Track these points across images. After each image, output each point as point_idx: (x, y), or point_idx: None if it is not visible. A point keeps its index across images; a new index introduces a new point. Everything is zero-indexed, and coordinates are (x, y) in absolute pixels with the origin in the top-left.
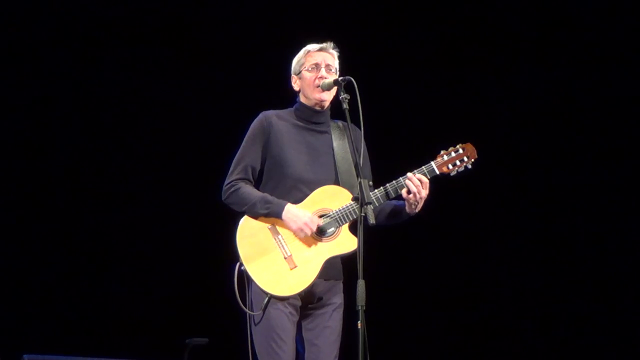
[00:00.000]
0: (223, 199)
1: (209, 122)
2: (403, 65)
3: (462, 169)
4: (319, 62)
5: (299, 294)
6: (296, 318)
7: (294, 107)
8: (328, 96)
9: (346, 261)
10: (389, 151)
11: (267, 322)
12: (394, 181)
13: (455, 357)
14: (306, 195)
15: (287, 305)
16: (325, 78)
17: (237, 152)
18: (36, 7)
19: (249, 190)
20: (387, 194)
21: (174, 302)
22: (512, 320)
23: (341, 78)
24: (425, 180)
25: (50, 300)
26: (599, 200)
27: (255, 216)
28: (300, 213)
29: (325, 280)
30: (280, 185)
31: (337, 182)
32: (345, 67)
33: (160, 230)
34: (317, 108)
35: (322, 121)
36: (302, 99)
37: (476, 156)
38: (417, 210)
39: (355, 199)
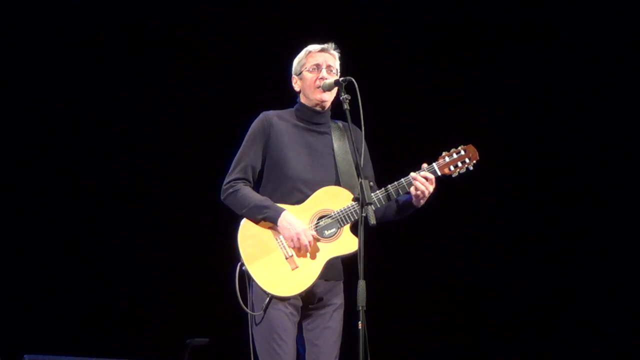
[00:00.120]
0: (221, 198)
1: (210, 122)
2: (404, 65)
3: (463, 170)
4: (320, 63)
5: (300, 295)
6: (297, 318)
7: (294, 107)
8: (329, 97)
9: (346, 262)
10: (390, 152)
11: (267, 322)
12: (395, 182)
13: (455, 358)
14: (307, 196)
15: (287, 306)
16: (326, 79)
17: (237, 152)
18: (37, 7)
19: (247, 192)
20: (388, 195)
21: (174, 303)
22: (512, 320)
23: (342, 79)
24: (431, 176)
25: (50, 300)
26: (600, 200)
27: (252, 220)
28: (296, 222)
29: (325, 280)
30: (281, 186)
31: (337, 183)
32: (345, 67)
33: (161, 230)
34: (318, 109)
35: (322, 122)
36: (302, 99)
37: (478, 157)
38: (423, 202)
39: (356, 199)
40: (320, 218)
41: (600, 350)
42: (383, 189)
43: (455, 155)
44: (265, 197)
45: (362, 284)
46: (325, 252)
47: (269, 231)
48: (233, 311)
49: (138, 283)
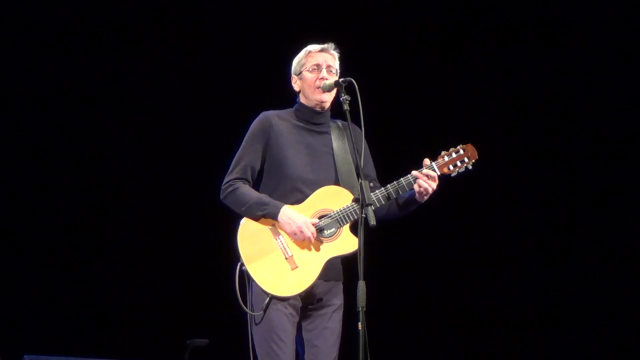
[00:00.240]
0: (221, 198)
1: (209, 122)
2: (403, 66)
3: (462, 169)
4: (320, 63)
5: (300, 295)
6: (296, 319)
7: (294, 107)
8: (328, 97)
9: (346, 262)
10: (389, 152)
11: (267, 322)
12: (395, 182)
13: (455, 358)
14: (306, 196)
15: (287, 306)
16: (326, 79)
17: (236, 152)
18: (38, 7)
19: (246, 190)
20: (388, 195)
21: (174, 303)
22: (512, 320)
23: (342, 79)
24: (433, 174)
25: (50, 300)
26: (599, 200)
27: (252, 217)
28: (296, 216)
29: (325, 281)
30: (280, 186)
31: (337, 183)
32: (345, 67)
33: (161, 230)
34: (318, 109)
35: (322, 122)
36: (302, 99)
37: (477, 157)
38: (426, 198)
39: (356, 199)
40: (320, 218)
41: (601, 350)
42: (383, 188)
43: (454, 155)
44: (264, 194)
45: (362, 285)
46: (325, 251)
47: (269, 231)
48: (233, 311)
49: (138, 283)
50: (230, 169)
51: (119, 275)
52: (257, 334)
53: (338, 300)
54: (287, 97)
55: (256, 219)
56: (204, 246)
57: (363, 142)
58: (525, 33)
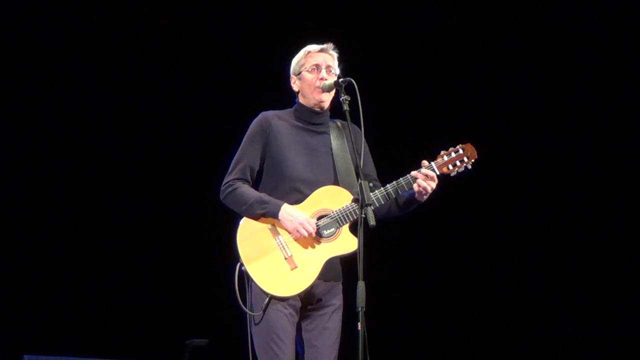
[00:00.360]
0: (220, 198)
1: (209, 122)
2: (403, 66)
3: (462, 169)
4: (320, 63)
5: (299, 295)
6: (296, 319)
7: (293, 107)
8: (328, 97)
9: (345, 262)
10: (389, 152)
11: (267, 322)
12: (394, 182)
13: (455, 358)
14: (305, 196)
15: (287, 306)
16: (326, 79)
17: (236, 152)
18: (39, 7)
19: (246, 190)
20: (387, 195)
21: (174, 303)
22: (512, 321)
23: (341, 79)
24: (432, 174)
25: (50, 300)
26: (599, 200)
27: (252, 217)
28: (297, 213)
29: (324, 281)
30: (280, 186)
31: (336, 183)
32: (344, 68)
33: (161, 230)
34: (317, 109)
35: (321, 122)
36: (301, 99)
37: (476, 156)
38: (426, 198)
39: (355, 200)
40: (319, 218)
41: (600, 350)
42: (382, 188)
43: (453, 154)
44: (264, 193)
45: (361, 285)
46: (325, 251)
47: (268, 231)
48: (232, 311)
49: (138, 283)
50: (230, 169)
51: (119, 276)
52: (256, 334)
53: (337, 301)
54: (286, 97)
55: (256, 218)
56: (203, 246)
57: (363, 142)
58: (525, 33)
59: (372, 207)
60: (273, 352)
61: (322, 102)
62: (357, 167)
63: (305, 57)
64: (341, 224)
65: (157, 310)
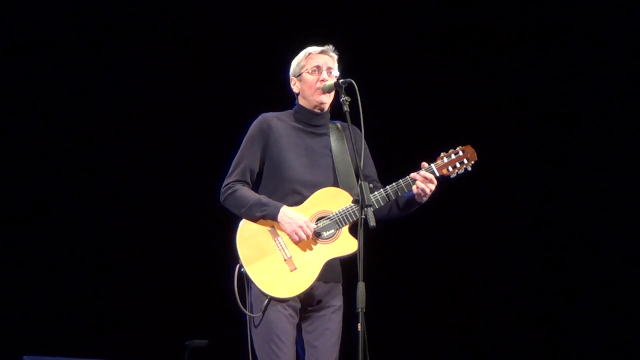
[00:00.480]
0: (220, 200)
1: (208, 124)
2: (402, 67)
3: (462, 171)
4: (321, 65)
5: (299, 296)
6: (296, 320)
7: (292, 109)
8: (328, 99)
9: (345, 263)
10: (389, 153)
11: (266, 324)
12: (394, 183)
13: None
14: (305, 198)
15: (286, 307)
16: (327, 81)
17: (235, 154)
18: (39, 7)
19: (245, 192)
20: (387, 196)
21: (174, 304)
22: (512, 321)
23: (342, 80)
24: (430, 176)
25: (50, 300)
26: (599, 200)
27: (252, 218)
28: (296, 216)
29: (324, 282)
30: (279, 188)
31: (336, 184)
32: (344, 69)
33: (161, 231)
34: (317, 111)
35: (321, 123)
36: (301, 101)
37: (476, 158)
38: (426, 199)
39: (355, 201)
40: (319, 219)
41: (601, 350)
42: (382, 190)
43: (453, 156)
44: (263, 195)
45: (361, 286)
46: (324, 253)
47: (267, 233)
48: (232, 313)
49: (138, 284)
50: (230, 171)
51: (119, 276)
52: (256, 336)
53: (337, 302)
54: (286, 99)
55: (255, 220)
56: (203, 247)
57: (363, 143)
58: (525, 34)
59: (372, 208)
60: (273, 353)
61: (322, 103)
62: (357, 169)
63: (305, 58)
64: (340, 226)
65: (157, 311)
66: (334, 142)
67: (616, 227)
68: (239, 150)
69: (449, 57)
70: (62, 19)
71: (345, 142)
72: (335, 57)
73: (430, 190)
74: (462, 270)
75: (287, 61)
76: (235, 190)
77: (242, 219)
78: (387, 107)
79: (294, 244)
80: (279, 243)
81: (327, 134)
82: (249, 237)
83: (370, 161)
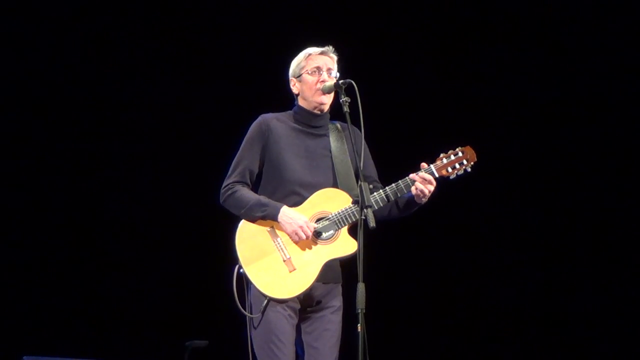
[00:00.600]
0: (220, 201)
1: (209, 124)
2: (402, 67)
3: (461, 172)
4: (321, 66)
5: (298, 297)
6: (295, 321)
7: (292, 110)
8: (328, 99)
9: (345, 264)
10: (388, 154)
11: (266, 324)
12: (393, 184)
13: None
14: (304, 199)
15: (286, 308)
16: (327, 81)
17: (235, 155)
18: (41, 8)
19: (245, 193)
20: (386, 197)
21: (173, 305)
22: (512, 322)
23: (342, 81)
24: (429, 177)
25: (50, 301)
26: (599, 200)
27: (251, 219)
28: (296, 216)
29: (324, 283)
30: (279, 189)
31: (335, 185)
32: (344, 69)
33: (160, 232)
34: (317, 112)
35: (320, 124)
36: (300, 102)
37: (476, 159)
38: (425, 200)
39: (355, 202)
40: (318, 220)
41: (601, 350)
42: (381, 191)
43: (453, 157)
44: (263, 196)
45: (361, 287)
46: (323, 254)
47: (267, 233)
48: (232, 313)
49: (137, 285)
50: (229, 172)
51: (119, 276)
52: (256, 337)
53: (337, 302)
54: (285, 100)
55: (255, 220)
56: (202, 248)
57: (363, 144)
58: (525, 35)
59: (372, 209)
60: (273, 353)
61: (322, 104)
62: (357, 169)
63: (305, 59)
64: (340, 226)
65: (157, 312)
66: (334, 142)
67: (616, 227)
68: (239, 151)
69: (449, 57)
70: (62, 19)
71: (345, 143)
72: (335, 58)
73: (429, 192)
74: (462, 270)
75: (287, 62)
76: (235, 191)
77: (241, 219)
78: (387, 107)
79: (293, 245)
80: (278, 244)
81: (326, 135)
82: (248, 238)
83: (371, 161)
